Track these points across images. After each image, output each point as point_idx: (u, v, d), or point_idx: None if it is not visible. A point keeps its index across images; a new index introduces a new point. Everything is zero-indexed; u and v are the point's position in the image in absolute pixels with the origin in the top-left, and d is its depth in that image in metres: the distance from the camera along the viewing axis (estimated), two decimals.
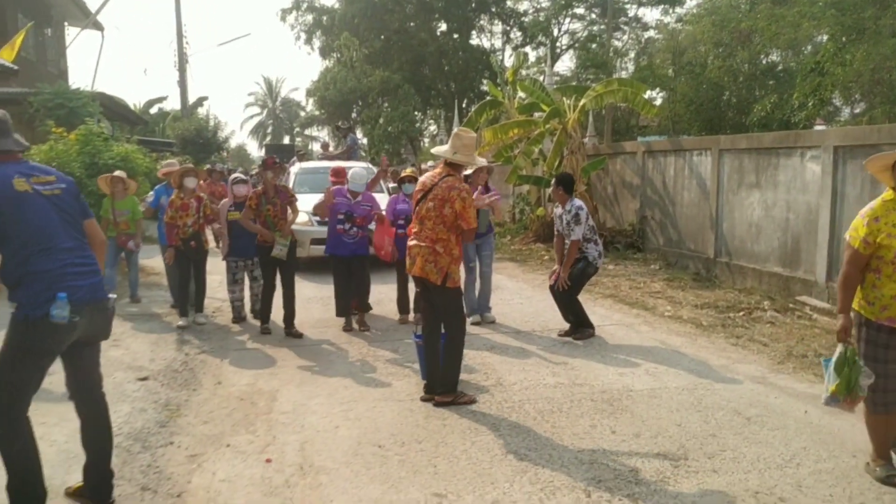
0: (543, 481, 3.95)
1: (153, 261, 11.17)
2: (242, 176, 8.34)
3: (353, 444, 4.52)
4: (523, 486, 3.90)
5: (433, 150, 5.97)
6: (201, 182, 8.68)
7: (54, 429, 4.74)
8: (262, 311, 7.58)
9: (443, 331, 5.35)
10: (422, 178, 5.54)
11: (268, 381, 5.87)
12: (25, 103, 15.20)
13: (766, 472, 4.05)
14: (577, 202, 7.12)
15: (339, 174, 8.24)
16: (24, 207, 3.28)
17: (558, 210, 7.31)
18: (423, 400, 5.32)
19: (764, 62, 22.49)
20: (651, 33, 33.77)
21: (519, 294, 9.66)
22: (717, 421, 4.84)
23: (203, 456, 4.37)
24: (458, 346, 5.31)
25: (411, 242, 5.38)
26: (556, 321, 7.76)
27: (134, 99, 41.82)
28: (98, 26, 23.47)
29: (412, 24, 34.43)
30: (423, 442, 4.53)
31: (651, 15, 51.18)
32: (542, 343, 7.02)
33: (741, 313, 8.11)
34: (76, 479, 3.92)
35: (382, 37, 34.06)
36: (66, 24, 24.31)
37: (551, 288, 7.37)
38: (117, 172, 8.93)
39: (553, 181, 7.43)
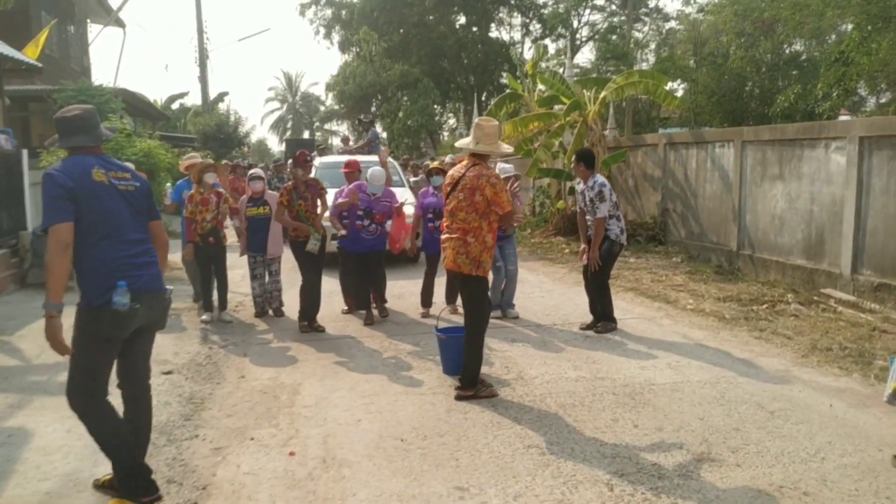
0: (566, 475, 3.95)
1: (174, 256, 11.24)
2: (259, 172, 8.36)
3: (375, 437, 4.54)
4: (546, 479, 3.90)
5: (457, 144, 5.95)
6: (220, 177, 8.69)
7: (81, 423, 4.79)
8: (305, 309, 7.44)
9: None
10: (449, 172, 5.53)
11: (290, 375, 5.91)
12: (49, 100, 15.41)
13: (791, 466, 4.02)
14: (600, 179, 7.05)
15: (351, 165, 8.19)
16: (99, 196, 3.42)
17: (580, 186, 7.25)
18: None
19: (787, 52, 22.25)
20: (672, 24, 33.52)
21: (539, 287, 9.64)
22: (740, 415, 4.81)
23: (227, 449, 4.41)
24: (480, 338, 5.32)
25: (443, 237, 5.39)
26: (577, 314, 7.75)
27: (155, 95, 42.14)
28: (120, 23, 23.71)
29: (431, 17, 34.37)
30: (444, 435, 4.54)
31: (672, 5, 50.55)
32: (563, 336, 7.01)
33: (764, 306, 8.04)
34: (104, 471, 3.98)
35: (401, 30, 34.05)
36: (88, 21, 24.57)
37: (585, 269, 7.32)
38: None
39: (574, 157, 7.34)
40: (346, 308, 8.26)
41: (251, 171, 8.62)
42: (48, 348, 6.19)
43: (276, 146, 67.22)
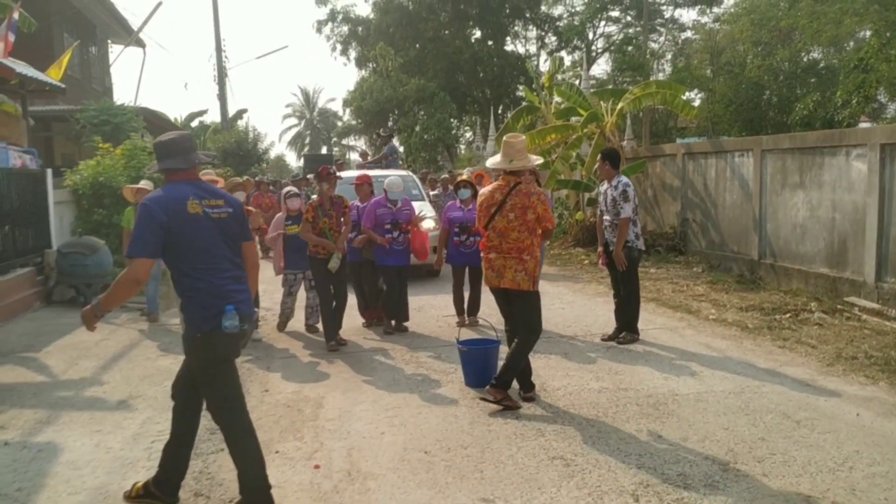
0: (591, 486, 3.94)
1: None
2: (295, 189, 8.36)
3: (399, 449, 4.55)
4: (570, 490, 3.89)
5: (488, 164, 5.92)
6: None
7: (109, 436, 4.86)
8: (330, 328, 7.37)
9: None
10: (486, 192, 5.47)
11: (313, 389, 5.94)
12: (72, 120, 15.65)
13: (818, 475, 3.98)
14: (624, 179, 7.04)
15: (362, 179, 8.18)
16: (194, 228, 3.56)
17: (603, 186, 7.26)
18: (526, 399, 5.39)
19: (805, 60, 22.13)
20: (688, 34, 33.48)
21: (560, 299, 9.62)
22: (765, 424, 4.78)
23: None
24: (530, 348, 5.37)
25: (491, 255, 5.38)
26: (599, 325, 7.74)
27: (175, 112, 42.68)
28: (140, 43, 24.05)
29: (447, 31, 34.57)
30: (468, 447, 4.54)
31: (688, 15, 50.43)
32: (585, 348, 6.99)
33: (788, 315, 7.98)
34: (132, 485, 4.03)
35: (417, 45, 34.25)
36: (109, 41, 24.95)
37: (613, 277, 7.29)
38: (142, 183, 8.78)
39: (599, 156, 7.35)
40: (364, 322, 8.30)
41: (287, 189, 8.54)
42: (75, 364, 6.30)
43: (294, 162, 67.70)
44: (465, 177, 8.51)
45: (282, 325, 8.16)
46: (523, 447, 4.52)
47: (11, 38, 10.27)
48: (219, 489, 4.07)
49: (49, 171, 10.82)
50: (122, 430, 5.00)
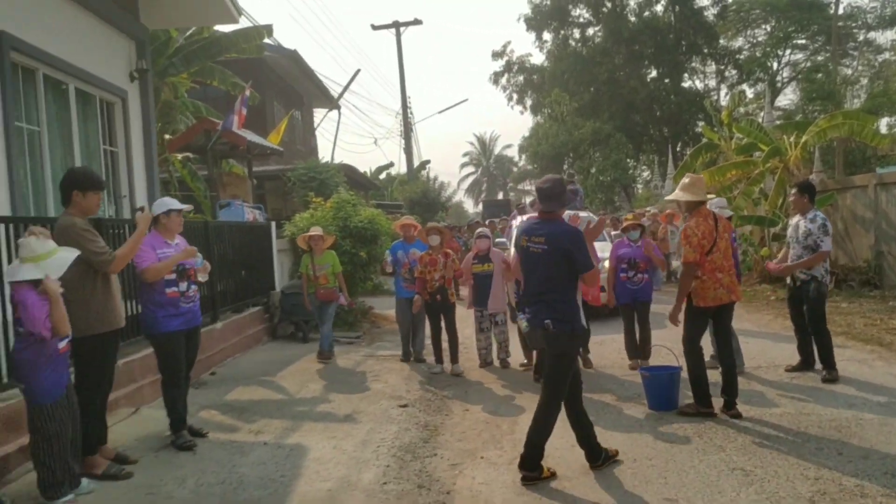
0: (769, 492, 4.30)
1: (389, 311, 12.10)
2: (486, 231, 9.03)
3: None
4: (749, 495, 4.28)
5: (673, 197, 6.39)
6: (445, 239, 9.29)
7: (342, 441, 5.80)
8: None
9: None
10: (700, 222, 5.95)
11: (508, 409, 6.63)
12: (283, 178, 17.76)
13: None
14: (821, 213, 7.16)
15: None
16: (522, 258, 5.02)
17: (794, 219, 7.33)
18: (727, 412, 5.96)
19: None
20: (886, 55, 31.53)
21: (744, 334, 9.62)
22: None
23: (462, 465, 5.18)
24: None
25: (719, 275, 5.99)
26: (783, 358, 7.85)
27: (364, 166, 45.89)
28: (336, 105, 26.59)
29: (621, 73, 34.98)
30: (653, 459, 5.02)
31: (883, 37, 46.87)
32: (767, 378, 7.18)
33: None
34: (367, 478, 4.91)
35: (592, 89, 34.94)
36: (312, 107, 27.78)
37: (792, 310, 7.49)
38: (312, 230, 9.63)
39: (797, 188, 7.35)
40: (524, 362, 8.41)
41: (478, 230, 9.22)
42: (305, 386, 7.43)
43: (471, 208, 70.06)
44: (632, 218, 8.82)
45: (482, 363, 8.62)
46: (704, 459, 4.93)
47: (244, 111, 12.08)
48: (437, 483, 4.84)
49: (273, 224, 12.47)
50: (351, 437, 5.94)
